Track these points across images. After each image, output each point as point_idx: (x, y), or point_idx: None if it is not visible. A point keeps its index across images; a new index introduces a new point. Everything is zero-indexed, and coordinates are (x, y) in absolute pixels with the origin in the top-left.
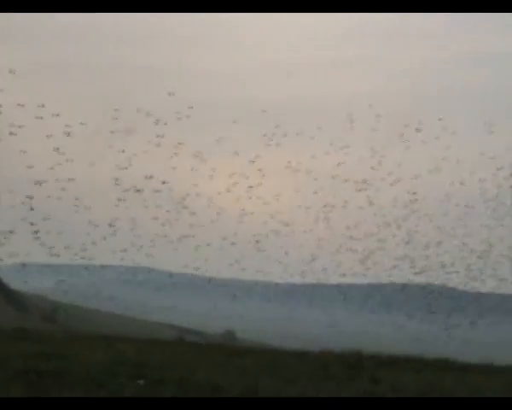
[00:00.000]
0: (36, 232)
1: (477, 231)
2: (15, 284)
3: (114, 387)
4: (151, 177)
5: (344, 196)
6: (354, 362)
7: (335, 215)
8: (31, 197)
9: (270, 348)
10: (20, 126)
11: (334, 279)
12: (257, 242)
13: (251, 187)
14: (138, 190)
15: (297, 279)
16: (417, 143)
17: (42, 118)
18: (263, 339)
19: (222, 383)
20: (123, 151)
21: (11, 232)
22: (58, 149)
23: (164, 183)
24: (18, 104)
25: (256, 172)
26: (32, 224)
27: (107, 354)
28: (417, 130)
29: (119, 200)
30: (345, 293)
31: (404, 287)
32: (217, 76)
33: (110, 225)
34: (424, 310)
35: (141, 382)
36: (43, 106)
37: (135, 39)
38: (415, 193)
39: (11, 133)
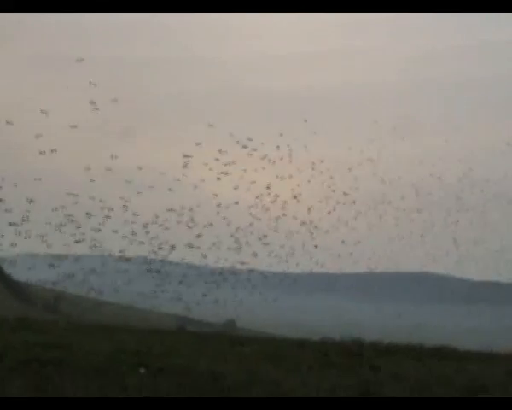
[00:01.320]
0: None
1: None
2: (18, 274)
3: (115, 376)
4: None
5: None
6: (354, 350)
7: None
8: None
9: (271, 337)
10: None
11: (335, 269)
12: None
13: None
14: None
15: (302, 269)
16: None
17: None
18: (263, 328)
19: (226, 373)
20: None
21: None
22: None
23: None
24: None
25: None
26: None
27: (109, 344)
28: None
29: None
30: (345, 282)
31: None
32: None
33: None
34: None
35: (142, 370)
36: None
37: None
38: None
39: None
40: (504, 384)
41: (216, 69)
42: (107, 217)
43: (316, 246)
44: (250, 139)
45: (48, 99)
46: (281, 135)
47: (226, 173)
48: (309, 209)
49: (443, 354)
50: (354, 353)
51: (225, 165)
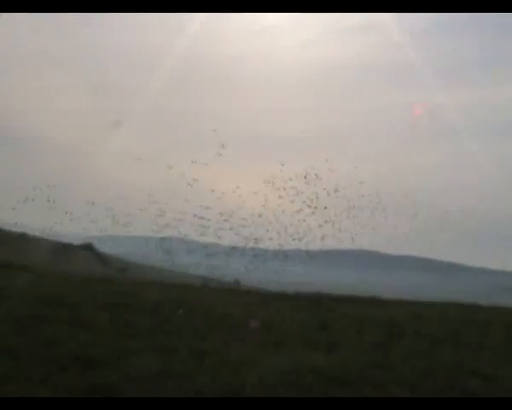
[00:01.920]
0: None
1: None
2: (103, 248)
3: (163, 314)
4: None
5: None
6: (317, 299)
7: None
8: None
9: (264, 291)
10: None
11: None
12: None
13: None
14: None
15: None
16: None
17: None
18: (258, 285)
19: (233, 312)
20: None
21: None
22: None
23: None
24: None
25: None
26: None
27: (160, 294)
28: None
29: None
30: (312, 256)
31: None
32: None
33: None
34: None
35: (180, 311)
36: None
37: None
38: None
39: None
40: (412, 320)
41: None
42: (225, 220)
43: (323, 238)
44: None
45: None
46: (312, 167)
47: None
48: (325, 208)
49: (374, 302)
50: (316, 301)
51: (285, 189)
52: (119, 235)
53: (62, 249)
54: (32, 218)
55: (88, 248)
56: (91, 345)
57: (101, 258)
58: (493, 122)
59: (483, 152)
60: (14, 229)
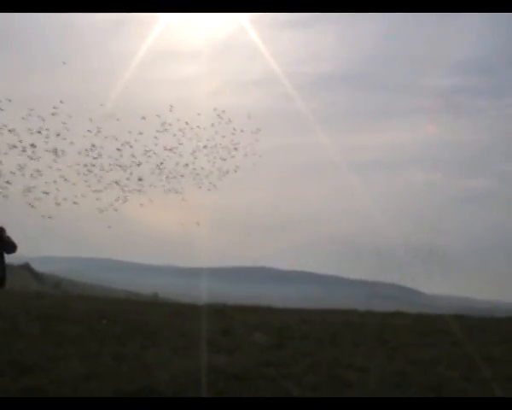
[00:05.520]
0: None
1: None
2: (38, 267)
3: (89, 324)
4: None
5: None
6: (221, 309)
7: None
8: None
9: (178, 303)
10: None
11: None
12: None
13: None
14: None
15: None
16: None
17: None
18: (174, 298)
19: (150, 321)
20: None
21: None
22: None
23: None
24: None
25: None
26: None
27: (86, 306)
28: None
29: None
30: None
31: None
32: None
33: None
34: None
35: (104, 321)
36: None
37: None
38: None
39: None
40: (300, 325)
41: None
42: (145, 241)
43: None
44: None
45: None
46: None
47: None
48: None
49: (269, 310)
50: (221, 310)
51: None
52: (55, 255)
53: None
54: None
55: (25, 267)
56: (25, 352)
57: (37, 276)
58: (365, 159)
59: (359, 182)
60: None
